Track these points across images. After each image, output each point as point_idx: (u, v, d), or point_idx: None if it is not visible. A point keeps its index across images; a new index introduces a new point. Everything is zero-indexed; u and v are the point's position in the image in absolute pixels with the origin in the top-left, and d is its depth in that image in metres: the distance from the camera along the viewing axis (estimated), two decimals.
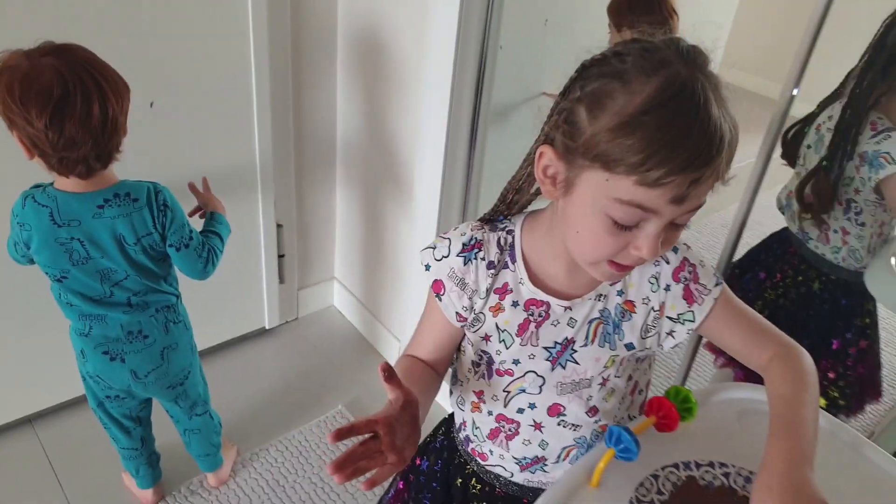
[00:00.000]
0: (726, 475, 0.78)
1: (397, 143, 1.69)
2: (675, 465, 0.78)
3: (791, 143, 1.31)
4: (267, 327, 2.01)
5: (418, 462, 1.02)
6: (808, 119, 1.30)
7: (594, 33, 1.64)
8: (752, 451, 0.82)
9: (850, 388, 1.34)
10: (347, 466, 0.61)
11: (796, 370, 0.75)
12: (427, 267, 0.81)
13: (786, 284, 1.37)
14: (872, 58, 1.20)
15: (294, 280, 2.00)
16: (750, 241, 1.51)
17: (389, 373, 0.67)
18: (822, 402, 1.33)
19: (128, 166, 1.57)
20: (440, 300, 0.80)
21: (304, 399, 1.83)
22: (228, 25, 1.54)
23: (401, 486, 1.05)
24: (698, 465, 0.78)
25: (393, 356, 1.95)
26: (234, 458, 1.63)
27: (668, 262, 0.77)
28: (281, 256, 1.91)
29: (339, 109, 1.83)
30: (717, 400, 0.90)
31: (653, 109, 0.59)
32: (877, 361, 1.37)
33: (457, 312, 0.80)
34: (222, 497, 1.56)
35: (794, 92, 1.09)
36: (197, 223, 1.32)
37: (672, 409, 0.80)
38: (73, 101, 1.01)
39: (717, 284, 0.78)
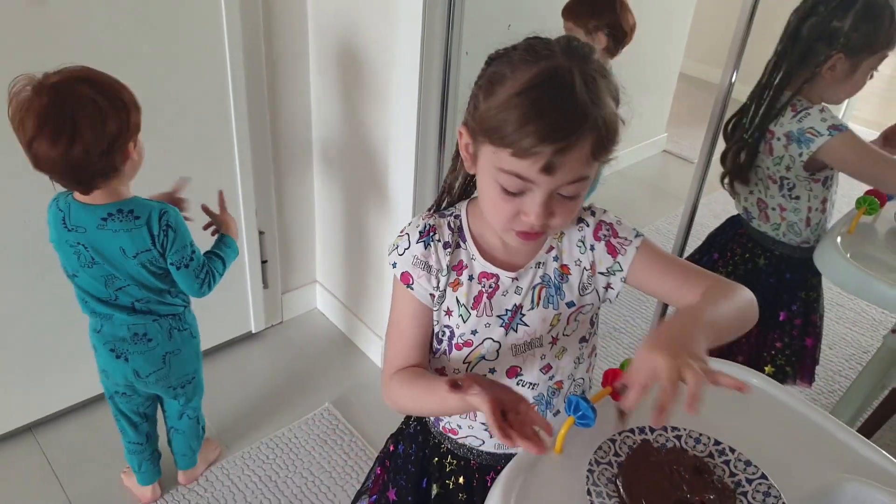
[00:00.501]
0: (678, 437, 0.86)
1: (371, 146, 1.76)
2: (631, 430, 0.85)
3: (732, 134, 1.40)
4: (253, 331, 2.07)
5: (393, 448, 1.08)
6: (744, 111, 1.39)
7: (555, 35, 1.72)
8: (702, 416, 0.90)
9: (796, 356, 1.43)
10: (535, 439, 0.70)
11: (726, 289, 0.81)
12: (394, 264, 0.87)
13: (734, 262, 1.46)
14: (788, 48, 1.30)
15: (277, 285, 2.06)
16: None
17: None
18: (770, 369, 1.42)
19: None
20: (412, 289, 0.87)
21: (292, 398, 1.89)
22: (204, 42, 1.60)
23: (378, 472, 1.11)
24: (652, 430, 0.86)
25: (375, 353, 2.01)
26: (213, 459, 1.69)
27: (588, 226, 0.87)
28: (264, 262, 1.97)
29: (314, 118, 1.90)
30: None
31: (526, 90, 0.70)
32: (819, 336, 1.47)
33: (430, 294, 0.87)
34: (217, 493, 1.62)
35: (733, 78, 1.19)
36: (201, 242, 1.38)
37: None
38: (67, 127, 1.08)
39: (637, 236, 0.87)
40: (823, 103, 1.31)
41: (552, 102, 0.70)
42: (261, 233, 1.91)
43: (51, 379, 1.71)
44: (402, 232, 0.89)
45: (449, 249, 0.86)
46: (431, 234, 0.86)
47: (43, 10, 1.36)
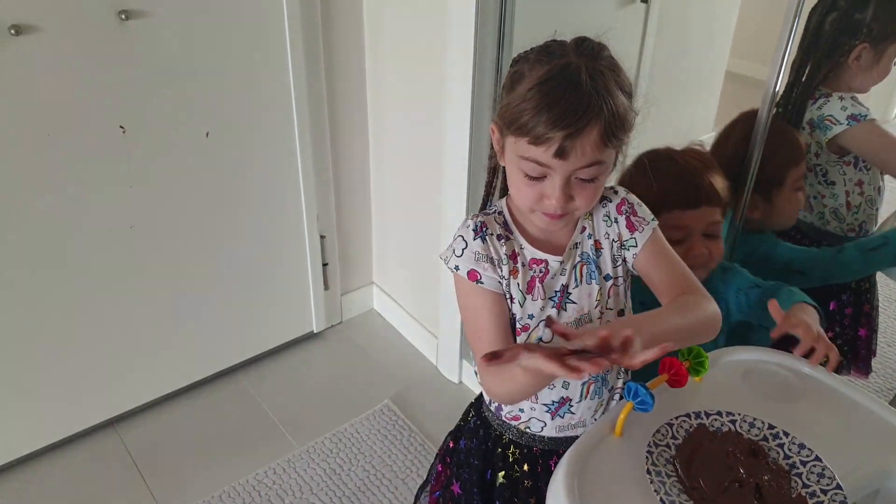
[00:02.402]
0: (732, 422, 0.90)
1: (424, 153, 1.83)
2: (687, 415, 0.90)
3: None
4: (315, 331, 2.16)
5: (453, 445, 1.13)
6: (776, 117, 1.43)
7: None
8: (755, 402, 0.94)
9: (848, 346, 1.45)
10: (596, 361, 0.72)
11: (691, 304, 0.87)
12: (456, 267, 0.92)
13: None
14: (813, 43, 1.35)
15: (337, 287, 2.15)
16: None
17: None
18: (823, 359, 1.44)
19: (184, 189, 1.74)
20: (482, 283, 0.91)
21: (353, 395, 1.97)
22: (268, 58, 1.71)
23: (440, 469, 1.16)
24: (707, 415, 0.90)
25: (431, 352, 2.08)
26: None
27: (611, 201, 0.94)
28: (325, 265, 2.06)
29: (371, 126, 1.99)
30: (725, 361, 1.02)
31: (539, 85, 0.79)
32: (874, 326, 1.48)
33: (498, 281, 0.92)
34: (284, 485, 1.71)
35: (779, 79, 1.23)
36: None
37: (682, 368, 0.92)
38: None
39: (653, 219, 0.94)
40: (852, 92, 1.36)
41: (561, 94, 0.78)
42: (322, 237, 2.01)
43: (132, 374, 1.82)
44: (454, 237, 0.94)
45: (502, 241, 0.93)
46: (485, 229, 0.92)
47: (122, 29, 1.46)
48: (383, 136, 1.97)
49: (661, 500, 0.78)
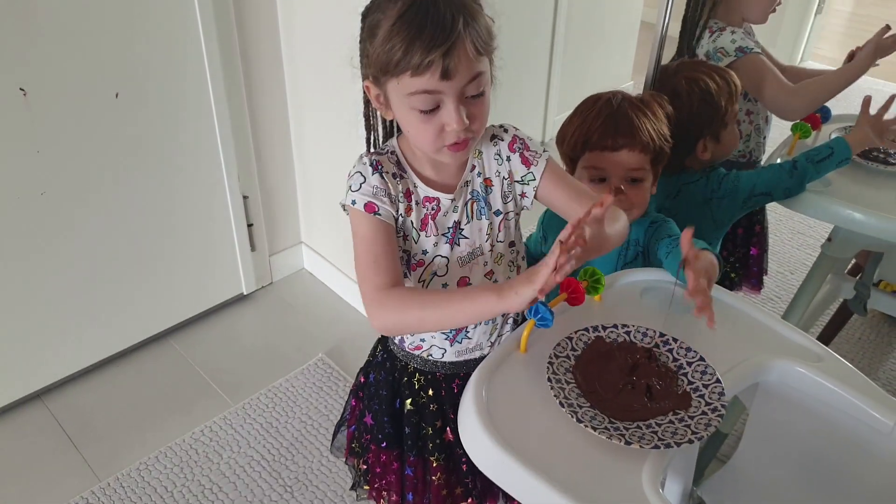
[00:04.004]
0: (628, 333, 0.97)
1: (344, 105, 1.84)
2: (586, 329, 0.97)
3: None
4: (245, 293, 2.17)
5: (364, 379, 1.17)
6: (680, 52, 1.51)
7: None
8: (650, 316, 1.02)
9: (740, 263, 1.56)
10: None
11: (614, 216, 0.93)
12: (353, 202, 0.93)
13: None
14: None
15: (265, 247, 2.15)
16: None
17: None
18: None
19: (96, 153, 1.70)
20: (380, 215, 0.93)
21: (287, 352, 2.00)
22: (178, 16, 1.67)
23: (353, 403, 1.20)
24: (604, 328, 0.97)
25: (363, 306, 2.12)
26: None
27: (502, 140, 0.99)
28: (250, 226, 2.06)
29: (288, 86, 1.98)
30: (623, 283, 1.09)
31: (399, 19, 0.81)
32: (764, 246, 1.60)
33: (394, 217, 0.95)
34: (222, 441, 1.73)
35: (667, 18, 1.30)
36: None
37: (579, 286, 0.98)
38: None
39: (544, 151, 0.99)
40: (745, 24, 1.45)
41: (424, 18, 0.81)
42: (245, 197, 2.00)
43: (56, 345, 1.80)
44: (350, 175, 0.96)
45: (397, 179, 0.96)
46: (380, 167, 0.94)
47: None
48: (301, 91, 1.97)
49: (561, 403, 0.85)
